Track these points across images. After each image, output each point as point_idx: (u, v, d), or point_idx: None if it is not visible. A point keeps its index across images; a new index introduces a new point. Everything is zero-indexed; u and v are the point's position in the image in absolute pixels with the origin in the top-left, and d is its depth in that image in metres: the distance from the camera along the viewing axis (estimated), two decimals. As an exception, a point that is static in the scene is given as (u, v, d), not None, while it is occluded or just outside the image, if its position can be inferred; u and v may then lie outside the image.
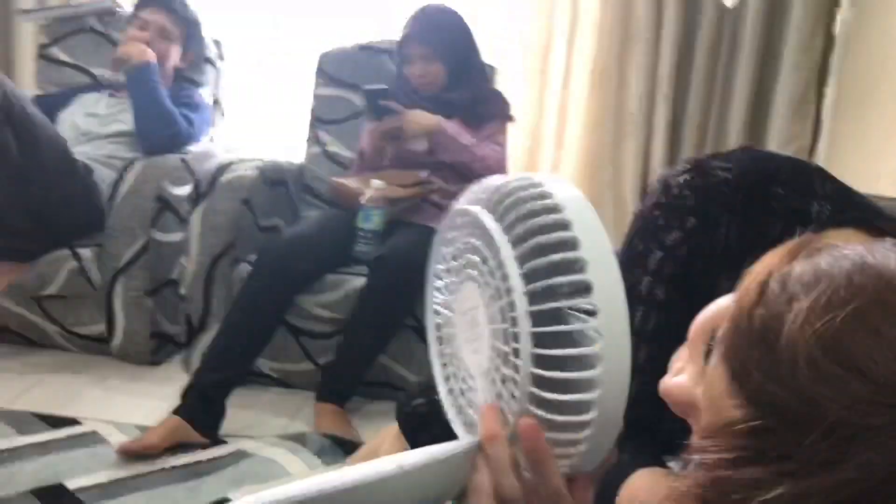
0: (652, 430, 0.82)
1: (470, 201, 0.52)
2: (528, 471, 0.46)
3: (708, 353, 0.49)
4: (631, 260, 0.78)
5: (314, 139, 2.54)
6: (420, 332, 2.05)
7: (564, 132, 2.85)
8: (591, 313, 0.45)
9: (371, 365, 2.00)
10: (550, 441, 0.45)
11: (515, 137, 2.74)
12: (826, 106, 2.58)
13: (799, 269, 0.41)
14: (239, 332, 1.90)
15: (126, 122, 2.43)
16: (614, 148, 2.79)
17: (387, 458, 0.45)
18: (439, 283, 0.57)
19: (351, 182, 2.20)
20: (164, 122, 2.35)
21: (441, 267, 0.56)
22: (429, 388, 1.09)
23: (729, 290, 0.60)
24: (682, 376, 0.53)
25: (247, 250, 2.15)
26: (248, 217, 2.15)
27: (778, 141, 2.55)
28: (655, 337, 0.78)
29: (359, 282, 2.02)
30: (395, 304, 1.94)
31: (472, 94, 2.25)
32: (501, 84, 2.59)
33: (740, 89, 2.60)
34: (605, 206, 2.79)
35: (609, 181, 2.81)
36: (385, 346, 2.01)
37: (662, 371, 0.79)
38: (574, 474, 0.49)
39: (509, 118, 2.30)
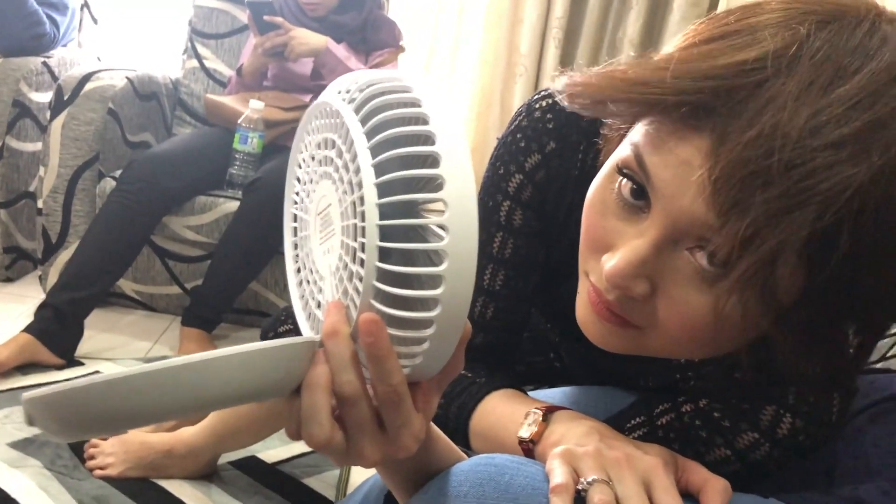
0: (508, 356, 0.82)
1: (332, 93, 0.49)
2: (369, 367, 0.44)
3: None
4: (492, 184, 0.77)
5: (192, 53, 2.40)
6: (294, 260, 2.00)
7: (455, 68, 2.82)
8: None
9: (240, 291, 1.95)
10: (393, 339, 0.44)
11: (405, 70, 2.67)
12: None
13: None
14: (100, 250, 1.80)
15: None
16: (504, 89, 2.78)
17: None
18: (296, 183, 0.55)
19: (228, 101, 2.10)
20: (26, 21, 2.16)
21: (300, 157, 0.54)
22: (290, 313, 1.06)
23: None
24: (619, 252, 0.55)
25: (112, 165, 2.03)
26: (114, 130, 2.02)
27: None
28: (512, 263, 0.78)
29: (231, 205, 1.95)
30: (268, 230, 1.87)
31: (363, 20, 2.18)
32: (394, 13, 2.52)
33: (629, 37, 2.63)
34: (490, 148, 2.78)
35: (495, 123, 2.81)
36: (256, 273, 1.95)
37: (518, 298, 0.79)
38: (418, 379, 0.47)
39: (400, 48, 2.24)
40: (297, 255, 0.56)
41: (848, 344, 0.57)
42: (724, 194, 0.47)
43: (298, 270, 0.56)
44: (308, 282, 0.54)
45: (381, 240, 0.43)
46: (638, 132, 0.54)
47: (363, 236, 0.44)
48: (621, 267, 0.53)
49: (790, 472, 0.71)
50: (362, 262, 0.44)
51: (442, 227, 0.43)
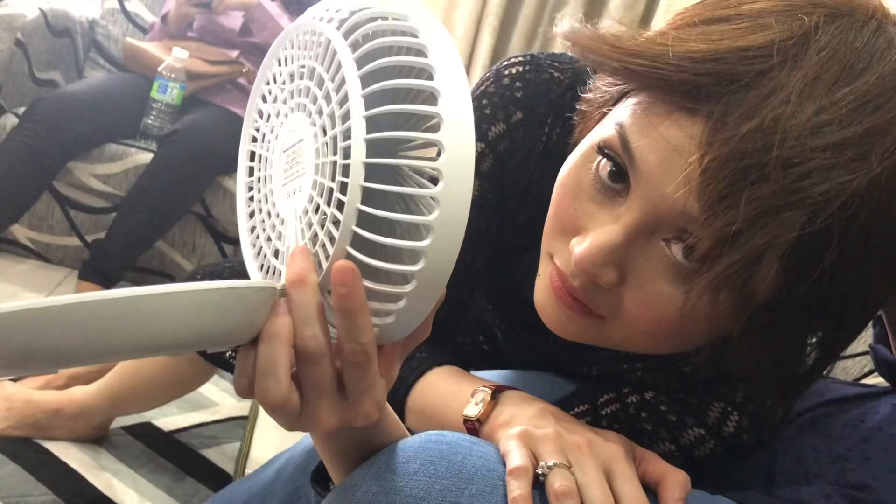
0: (448, 335, 0.78)
1: (311, 18, 0.43)
2: (337, 322, 0.40)
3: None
4: None
5: (113, -7, 2.26)
6: (205, 222, 1.91)
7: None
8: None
9: (145, 249, 1.84)
10: (367, 292, 0.40)
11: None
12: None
13: None
14: (-7, 192, 1.67)
15: None
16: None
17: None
18: (258, 118, 0.49)
19: (149, 47, 1.98)
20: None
21: (265, 90, 0.48)
22: (207, 272, 1.00)
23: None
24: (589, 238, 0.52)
25: (15, 101, 1.89)
26: (21, 63, 1.88)
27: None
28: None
29: (144, 157, 1.84)
30: (182, 186, 1.78)
31: (296, -21, 2.09)
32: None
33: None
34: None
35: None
36: (164, 231, 1.85)
37: (465, 273, 0.75)
38: (384, 341, 0.43)
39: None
40: (252, 198, 0.50)
41: (805, 353, 0.56)
42: (713, 185, 0.45)
43: (251, 215, 0.50)
44: (264, 227, 0.48)
45: (365, 180, 0.39)
46: (624, 112, 0.51)
47: (344, 175, 0.39)
48: (592, 252, 0.51)
49: (729, 471, 0.70)
50: (340, 205, 0.39)
51: (436, 172, 0.39)
